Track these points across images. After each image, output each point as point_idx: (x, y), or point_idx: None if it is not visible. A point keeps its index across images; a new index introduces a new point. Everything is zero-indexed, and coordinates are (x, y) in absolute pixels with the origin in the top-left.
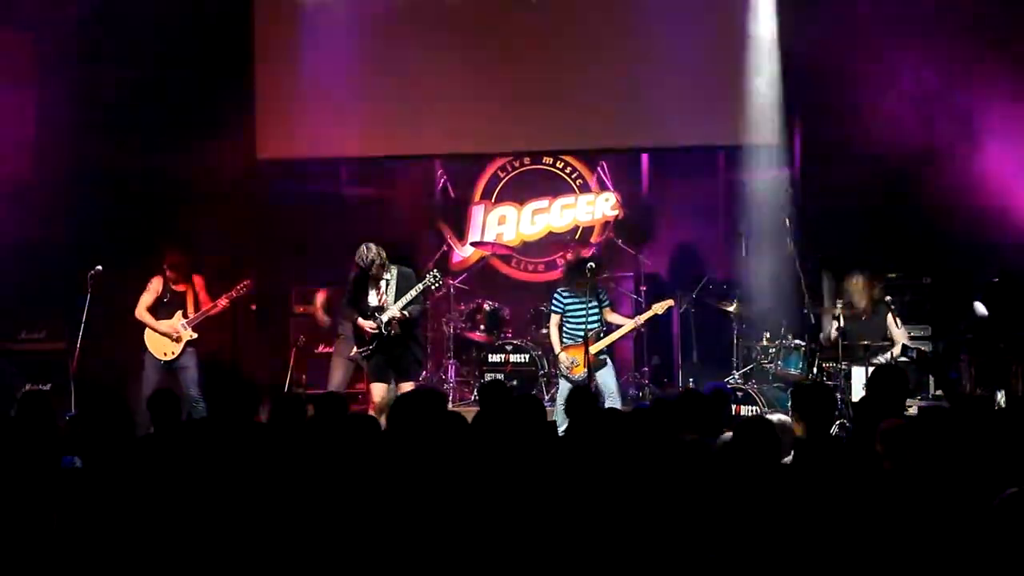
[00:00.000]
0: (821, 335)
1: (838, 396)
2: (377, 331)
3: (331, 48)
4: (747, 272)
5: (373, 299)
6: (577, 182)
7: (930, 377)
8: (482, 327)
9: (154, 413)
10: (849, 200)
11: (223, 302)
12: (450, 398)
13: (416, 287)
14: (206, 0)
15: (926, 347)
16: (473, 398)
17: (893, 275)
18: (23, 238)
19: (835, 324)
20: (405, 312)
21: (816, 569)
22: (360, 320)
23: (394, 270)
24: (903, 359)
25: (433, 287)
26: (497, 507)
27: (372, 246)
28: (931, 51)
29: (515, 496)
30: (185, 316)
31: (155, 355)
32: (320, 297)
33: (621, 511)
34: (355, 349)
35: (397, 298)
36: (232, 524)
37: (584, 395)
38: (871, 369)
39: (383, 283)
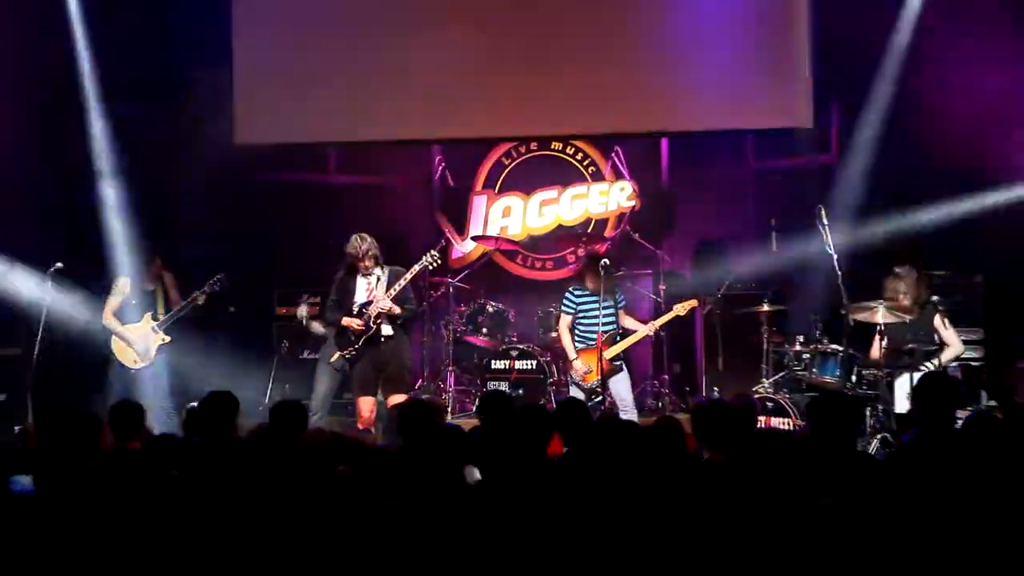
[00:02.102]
0: (871, 352)
1: (879, 407)
2: (364, 328)
3: (317, 21)
4: (778, 269)
5: (361, 295)
6: (589, 170)
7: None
8: (484, 330)
9: (117, 426)
10: (891, 190)
11: (196, 299)
12: (449, 409)
13: (411, 269)
14: None
15: (976, 352)
16: (475, 409)
17: (941, 273)
18: None
19: (877, 328)
20: (396, 307)
21: None
22: (346, 319)
23: (386, 269)
24: (953, 366)
25: (431, 266)
26: (498, 528)
27: (365, 235)
28: (988, 25)
29: (517, 516)
30: (155, 318)
31: (123, 363)
32: (303, 309)
33: (629, 536)
34: (337, 353)
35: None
36: (207, 548)
37: (575, 407)
38: (917, 376)
39: (373, 279)
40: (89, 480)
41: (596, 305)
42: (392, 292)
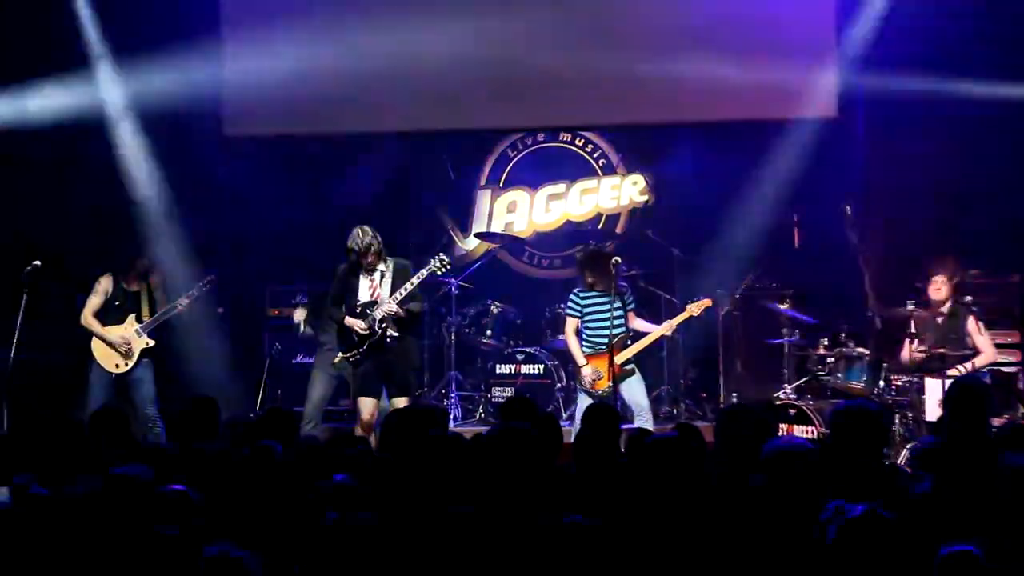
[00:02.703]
0: (901, 355)
1: (909, 415)
2: (368, 330)
3: (311, 7)
4: (801, 268)
5: (364, 294)
6: (600, 162)
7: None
8: (489, 332)
9: (97, 436)
10: (923, 183)
11: (183, 303)
12: (452, 416)
13: (418, 274)
14: None
15: (1012, 357)
16: (478, 416)
17: (974, 272)
18: None
19: (907, 331)
20: (402, 309)
21: None
22: (348, 319)
23: (390, 262)
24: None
25: (439, 272)
26: (504, 545)
27: (368, 229)
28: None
29: (525, 533)
30: (139, 321)
31: (104, 367)
32: (299, 314)
33: (648, 552)
34: (340, 355)
35: (393, 293)
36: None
37: (604, 413)
38: (948, 383)
39: (377, 275)
40: (73, 491)
41: (604, 307)
42: (398, 296)
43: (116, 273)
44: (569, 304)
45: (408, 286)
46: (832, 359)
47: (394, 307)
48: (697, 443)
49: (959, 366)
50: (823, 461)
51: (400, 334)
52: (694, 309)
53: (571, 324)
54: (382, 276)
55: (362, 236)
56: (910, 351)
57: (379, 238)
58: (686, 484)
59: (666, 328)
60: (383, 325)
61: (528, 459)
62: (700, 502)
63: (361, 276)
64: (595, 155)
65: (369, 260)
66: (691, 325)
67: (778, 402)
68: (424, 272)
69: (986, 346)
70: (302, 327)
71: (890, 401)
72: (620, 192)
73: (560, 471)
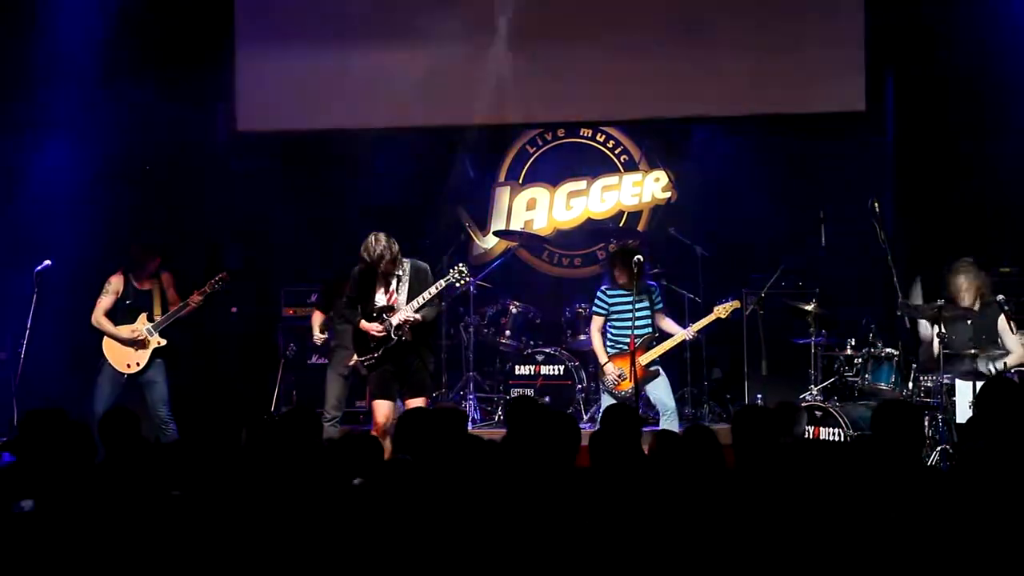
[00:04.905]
0: (921, 349)
1: (939, 416)
2: (385, 335)
3: (324, 2)
4: (828, 265)
5: (381, 298)
6: (622, 159)
7: None
8: (508, 333)
9: (107, 437)
10: (953, 177)
11: (196, 300)
12: (470, 418)
13: (436, 284)
14: None
15: None
16: (497, 418)
17: (1006, 269)
18: None
19: (935, 329)
20: (419, 315)
21: None
22: (364, 323)
23: (407, 265)
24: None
25: (458, 283)
26: (524, 549)
27: (381, 236)
28: None
29: (545, 536)
30: (151, 319)
31: (116, 368)
32: (317, 319)
33: (668, 558)
34: (355, 357)
35: (410, 297)
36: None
37: (623, 413)
38: (979, 384)
39: (393, 280)
40: (84, 493)
41: (630, 306)
42: (416, 303)
43: (127, 272)
44: (596, 301)
45: (426, 295)
46: (859, 359)
47: (412, 315)
48: (711, 444)
49: (989, 365)
50: (863, 460)
51: (416, 338)
52: (721, 311)
53: (597, 322)
54: (399, 281)
55: (374, 245)
56: (937, 348)
57: (394, 245)
58: (702, 484)
59: (691, 332)
60: (399, 332)
61: (544, 460)
62: (716, 501)
63: (378, 280)
64: (616, 151)
65: (383, 268)
66: (715, 325)
67: (804, 403)
68: (442, 283)
69: (1015, 346)
70: (317, 333)
71: (919, 402)
72: (642, 189)
73: (577, 472)
